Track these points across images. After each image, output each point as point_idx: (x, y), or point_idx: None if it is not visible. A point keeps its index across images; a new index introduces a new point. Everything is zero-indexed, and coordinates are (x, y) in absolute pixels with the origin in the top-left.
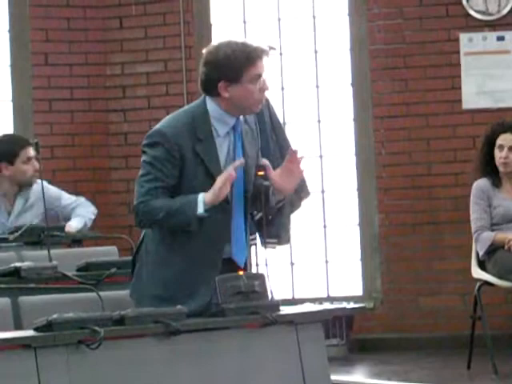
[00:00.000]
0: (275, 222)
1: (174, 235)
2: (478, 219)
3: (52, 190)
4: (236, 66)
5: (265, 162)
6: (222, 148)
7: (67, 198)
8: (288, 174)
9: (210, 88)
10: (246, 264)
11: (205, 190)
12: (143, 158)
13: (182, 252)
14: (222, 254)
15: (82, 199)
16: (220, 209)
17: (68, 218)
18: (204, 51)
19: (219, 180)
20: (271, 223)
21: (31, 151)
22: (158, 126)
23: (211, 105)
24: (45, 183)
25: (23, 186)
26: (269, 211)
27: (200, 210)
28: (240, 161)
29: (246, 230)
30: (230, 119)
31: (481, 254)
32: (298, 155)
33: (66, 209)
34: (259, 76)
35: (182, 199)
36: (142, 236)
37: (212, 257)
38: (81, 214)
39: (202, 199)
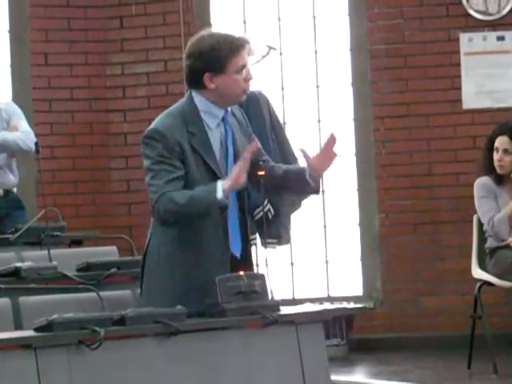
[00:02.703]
0: (275, 221)
1: (183, 234)
2: (488, 210)
3: (17, 111)
4: (220, 57)
5: (257, 144)
6: (215, 139)
7: (23, 126)
8: (324, 156)
9: (196, 80)
10: (248, 260)
11: (207, 181)
12: (146, 163)
13: (192, 251)
14: (229, 252)
15: (27, 131)
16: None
17: None
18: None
19: (236, 167)
20: (271, 223)
21: None
22: (151, 126)
23: (198, 98)
24: (13, 104)
25: None
26: (303, 193)
27: (219, 194)
28: (254, 144)
29: (246, 223)
30: (218, 111)
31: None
32: (336, 139)
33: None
34: (243, 66)
35: (200, 187)
36: (148, 237)
37: (221, 254)
38: (15, 134)
39: (221, 185)
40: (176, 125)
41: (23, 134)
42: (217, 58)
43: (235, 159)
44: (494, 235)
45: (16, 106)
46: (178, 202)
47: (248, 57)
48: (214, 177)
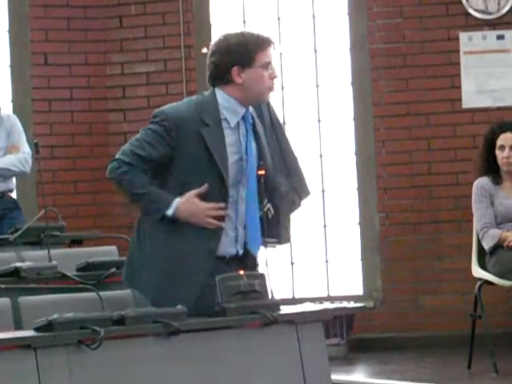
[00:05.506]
0: (275, 220)
1: (168, 222)
2: (482, 216)
3: (19, 127)
4: (248, 50)
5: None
6: (231, 138)
7: (23, 146)
8: None
9: (222, 75)
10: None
11: (203, 172)
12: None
13: (177, 238)
14: (218, 242)
15: (25, 155)
16: (219, 198)
17: None
18: (211, 44)
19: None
20: (272, 222)
21: None
22: (163, 107)
23: (220, 94)
24: (15, 118)
25: None
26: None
27: (170, 211)
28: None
29: (262, 222)
30: (240, 108)
31: (487, 247)
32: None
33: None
34: (269, 63)
35: (159, 191)
36: (137, 224)
37: (207, 244)
38: (8, 159)
39: (176, 205)
40: (188, 110)
41: (22, 156)
42: (245, 52)
43: (259, 157)
44: (481, 238)
45: (18, 122)
46: (134, 189)
47: (273, 55)
48: (216, 169)
